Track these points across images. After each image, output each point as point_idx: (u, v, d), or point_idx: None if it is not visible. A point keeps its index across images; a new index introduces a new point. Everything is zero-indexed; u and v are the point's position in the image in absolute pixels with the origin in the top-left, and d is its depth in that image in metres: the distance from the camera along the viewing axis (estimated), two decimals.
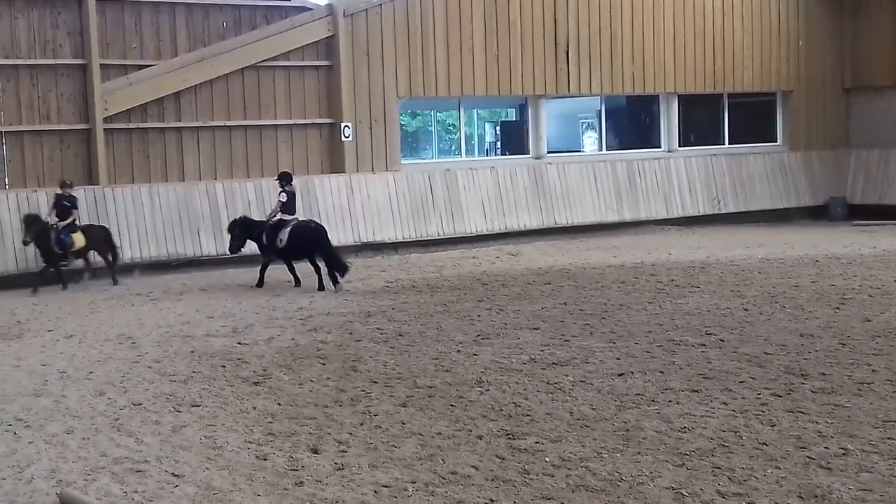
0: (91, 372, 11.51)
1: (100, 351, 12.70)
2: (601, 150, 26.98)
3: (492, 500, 7.03)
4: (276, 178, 19.06)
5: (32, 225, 18.02)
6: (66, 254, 18.34)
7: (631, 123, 28.92)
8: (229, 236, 18.70)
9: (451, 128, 30.56)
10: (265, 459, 8.09)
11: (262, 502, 7.13)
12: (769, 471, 7.49)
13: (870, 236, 23.52)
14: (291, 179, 18.61)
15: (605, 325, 13.29)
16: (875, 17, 27.97)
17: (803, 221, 27.48)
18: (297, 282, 17.97)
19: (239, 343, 12.92)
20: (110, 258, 18.96)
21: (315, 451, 8.27)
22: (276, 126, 22.02)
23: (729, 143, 27.94)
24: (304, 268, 17.90)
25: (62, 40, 19.96)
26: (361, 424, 9.02)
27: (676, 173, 26.61)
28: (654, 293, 15.87)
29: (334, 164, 22.57)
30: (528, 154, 25.51)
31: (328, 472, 7.74)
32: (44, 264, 18.38)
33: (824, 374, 10.35)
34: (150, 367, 11.65)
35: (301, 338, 13.15)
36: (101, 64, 20.05)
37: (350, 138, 22.52)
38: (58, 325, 14.64)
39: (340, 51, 22.30)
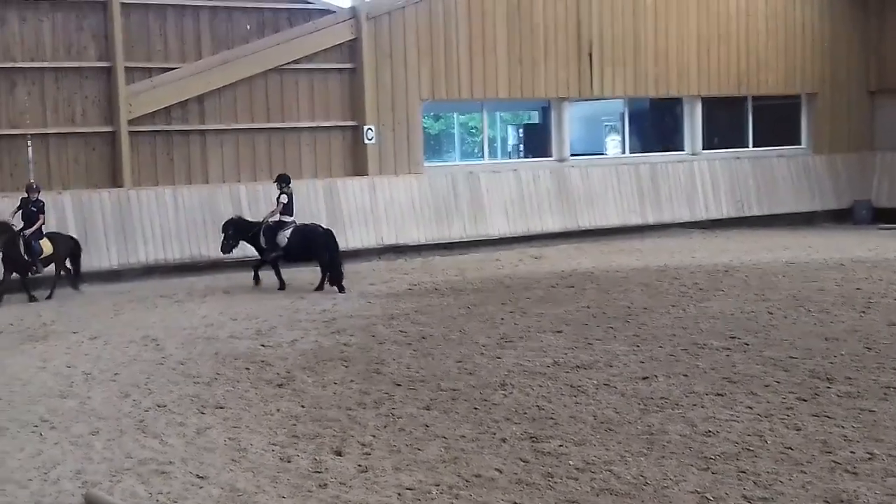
0: (116, 374, 11.56)
1: (124, 353, 12.75)
2: (624, 152, 26.90)
3: (516, 503, 7.02)
4: (274, 179, 19.09)
5: (3, 233, 17.24)
6: (34, 262, 17.58)
7: (654, 126, 28.82)
8: (222, 236, 18.61)
9: (473, 130, 30.51)
10: (289, 461, 8.10)
11: None
12: (794, 475, 7.45)
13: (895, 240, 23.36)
14: (290, 181, 18.66)
15: (629, 329, 13.24)
16: None
17: (828, 225, 27.31)
18: (282, 285, 18.02)
19: (263, 345, 12.95)
20: (73, 268, 18.24)
21: (339, 454, 8.27)
22: (299, 129, 22.07)
23: (753, 146, 27.80)
24: (290, 270, 17.90)
25: (87, 43, 20.07)
26: (385, 427, 9.02)
27: (700, 176, 26.51)
28: (678, 296, 15.81)
29: (357, 166, 22.59)
30: (551, 157, 25.47)
31: (352, 475, 7.74)
32: (6, 273, 17.47)
33: (850, 379, 10.28)
34: (174, 369, 11.69)
35: (324, 340, 13.16)
36: (125, 67, 20.16)
37: (373, 141, 22.55)
38: (83, 327, 14.70)
39: (363, 53, 22.34)
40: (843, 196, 28.22)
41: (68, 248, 18.11)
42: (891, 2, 27.99)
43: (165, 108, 20.70)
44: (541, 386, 10.32)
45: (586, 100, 26.43)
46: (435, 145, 29.70)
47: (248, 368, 11.60)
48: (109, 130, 20.21)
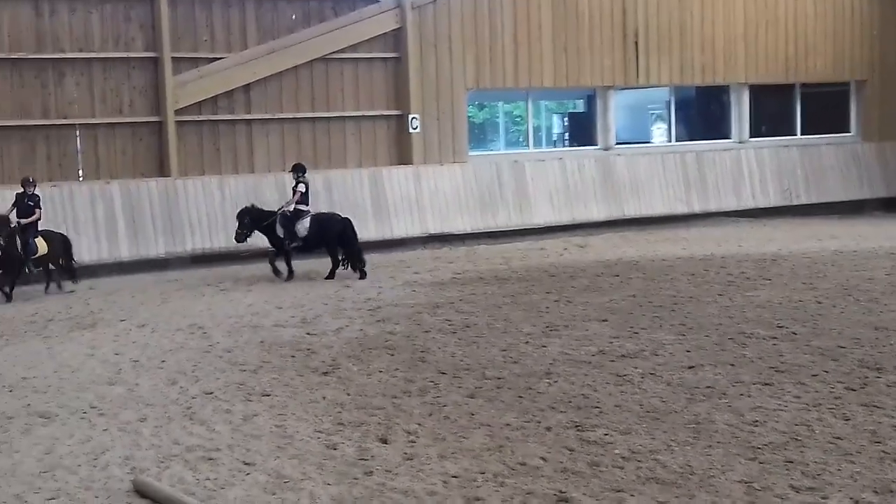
0: (163, 361, 11.66)
1: (172, 340, 12.86)
2: (670, 141, 26.74)
3: (561, 492, 7.00)
4: (290, 169, 19.03)
5: (3, 227, 16.52)
6: (27, 259, 16.82)
7: (701, 114, 28.61)
8: (237, 224, 18.38)
9: (518, 119, 30.45)
10: (335, 449, 8.13)
11: (332, 491, 7.17)
12: (843, 465, 7.37)
13: None
14: (305, 170, 18.71)
15: (675, 318, 13.16)
16: None
17: (877, 213, 26.98)
18: (291, 274, 17.98)
19: (308, 333, 13.00)
20: (68, 267, 17.74)
21: (384, 441, 8.28)
22: (343, 118, 22.14)
23: (801, 134, 27.54)
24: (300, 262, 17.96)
25: (134, 34, 20.24)
26: (430, 415, 9.03)
27: (747, 164, 26.29)
28: (725, 285, 15.69)
29: (402, 155, 22.63)
30: (597, 145, 25.38)
31: (397, 462, 7.75)
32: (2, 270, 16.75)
33: None
34: (220, 357, 11.77)
35: (369, 329, 13.20)
36: (172, 57, 20.32)
37: (417, 130, 22.57)
38: (130, 315, 14.84)
39: (408, 43, 22.36)
40: (893, 184, 27.87)
41: (61, 245, 17.51)
42: None
43: (212, 97, 20.84)
44: (586, 375, 10.28)
45: (632, 88, 26.27)
46: (479, 134, 29.68)
47: (293, 356, 11.66)
48: (156, 120, 20.38)
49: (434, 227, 22.46)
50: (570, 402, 9.29)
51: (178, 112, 20.42)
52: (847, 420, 8.46)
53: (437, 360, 11.23)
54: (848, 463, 7.42)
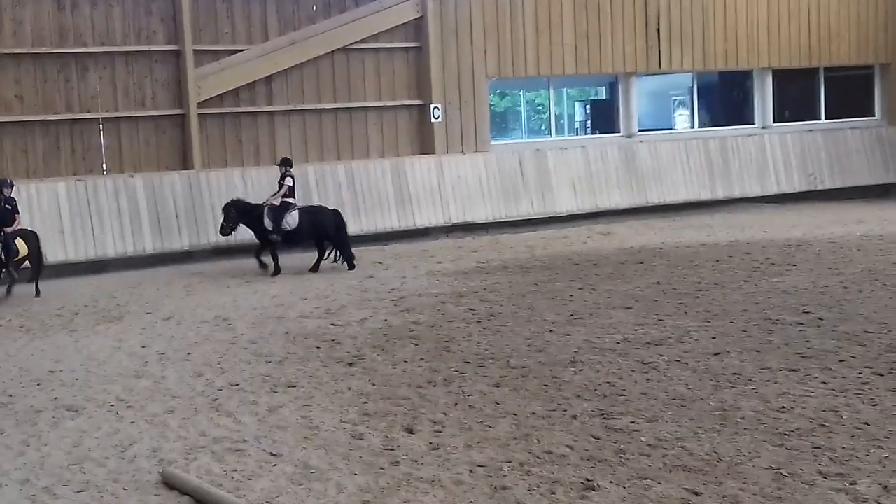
0: (189, 353, 11.71)
1: (197, 332, 12.91)
2: (693, 127, 26.62)
3: (587, 480, 7.00)
4: (278, 163, 18.93)
5: None
6: (9, 263, 16.08)
7: (723, 100, 28.45)
8: (223, 217, 18.12)
9: (540, 107, 30.37)
10: (361, 439, 8.15)
11: (359, 481, 7.19)
12: (871, 451, 7.34)
13: None
14: (292, 164, 18.67)
15: (700, 305, 13.12)
16: None
17: None
18: (278, 269, 17.81)
19: (332, 324, 13.03)
20: (37, 266, 16.80)
21: (410, 431, 8.30)
22: (365, 108, 22.13)
23: (825, 118, 27.36)
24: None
25: (156, 27, 20.27)
26: (455, 405, 9.03)
27: (771, 150, 26.15)
28: (750, 272, 15.62)
29: (424, 145, 22.62)
30: (619, 132, 25.32)
31: (423, 452, 7.76)
32: None
33: None
34: (246, 349, 11.81)
35: (393, 319, 13.21)
36: (194, 50, 20.34)
37: (439, 119, 22.55)
38: (156, 308, 14.91)
39: (429, 32, 22.33)
40: None
41: (37, 243, 16.75)
42: None
43: (234, 90, 20.87)
44: (611, 363, 10.26)
45: (654, 74, 26.16)
46: (501, 123, 29.60)
47: (318, 347, 11.69)
48: (179, 113, 20.42)
49: (457, 217, 22.45)
50: (595, 390, 9.28)
51: (200, 104, 20.46)
52: (875, 405, 8.42)
53: (462, 349, 11.24)
54: (876, 448, 7.38)
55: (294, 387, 9.95)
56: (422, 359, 10.87)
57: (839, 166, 26.85)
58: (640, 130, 25.37)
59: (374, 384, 9.90)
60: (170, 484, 7.27)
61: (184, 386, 10.20)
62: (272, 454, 7.86)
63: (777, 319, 11.94)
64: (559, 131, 26.46)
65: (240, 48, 20.96)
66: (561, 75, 24.46)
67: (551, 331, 11.94)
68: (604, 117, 26.92)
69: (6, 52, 19.09)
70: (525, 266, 17.43)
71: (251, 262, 18.58)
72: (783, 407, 8.45)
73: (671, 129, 27.70)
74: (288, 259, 18.42)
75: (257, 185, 20.51)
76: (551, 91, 25.24)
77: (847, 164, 26.92)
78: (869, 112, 27.95)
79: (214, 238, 19.82)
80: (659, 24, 24.68)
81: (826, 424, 7.96)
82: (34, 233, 17.03)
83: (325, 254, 18.14)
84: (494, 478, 7.14)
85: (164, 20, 20.32)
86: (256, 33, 21.13)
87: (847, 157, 26.97)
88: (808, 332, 11.25)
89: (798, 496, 6.60)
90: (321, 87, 21.72)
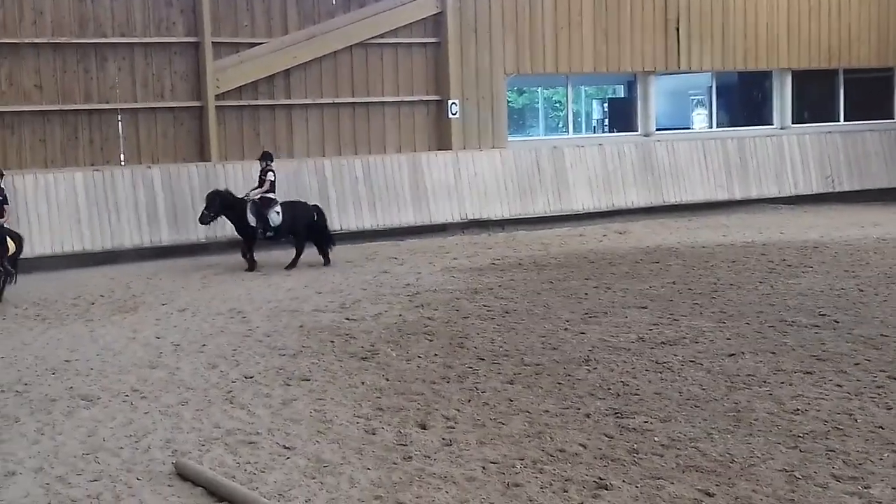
0: (204, 345, 11.74)
1: (212, 324, 12.94)
2: (711, 127, 26.53)
3: (600, 479, 6.99)
4: (259, 157, 18.68)
5: None
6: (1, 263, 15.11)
7: (742, 100, 28.37)
8: (205, 205, 17.77)
9: (557, 105, 30.35)
10: (374, 434, 8.16)
11: (372, 476, 7.20)
12: (886, 454, 7.31)
13: None
14: (273, 158, 18.50)
15: (715, 305, 13.09)
16: None
17: None
18: (253, 265, 17.63)
19: (347, 318, 13.04)
20: (13, 264, 15.51)
21: (423, 427, 8.30)
22: (383, 103, 22.14)
23: (844, 120, 27.24)
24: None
25: (175, 19, 20.32)
26: (469, 401, 9.04)
27: (789, 151, 26.06)
28: (766, 273, 15.58)
29: (441, 141, 22.62)
30: (637, 131, 25.24)
31: (436, 448, 7.77)
32: None
33: None
34: (260, 341, 11.84)
35: (408, 314, 13.22)
36: (213, 42, 20.37)
37: (457, 115, 22.54)
38: (171, 299, 14.95)
39: (448, 28, 22.31)
40: None
41: (21, 242, 15.75)
42: None
43: (252, 82, 20.90)
44: (625, 362, 10.25)
45: (673, 73, 26.10)
46: (519, 119, 29.61)
47: (332, 341, 11.70)
48: (197, 105, 20.46)
49: (473, 213, 22.44)
50: (609, 389, 9.27)
51: (218, 97, 20.49)
52: (889, 409, 8.39)
53: (476, 346, 11.24)
54: (890, 452, 7.36)
55: (308, 380, 9.97)
56: (436, 355, 10.87)
57: (857, 168, 26.74)
58: (657, 129, 25.32)
59: (387, 379, 9.91)
60: (183, 475, 7.30)
61: (198, 377, 10.23)
62: (285, 447, 7.88)
63: (792, 321, 11.91)
64: (577, 129, 26.43)
65: (259, 41, 20.98)
66: (580, 73, 24.43)
67: (566, 329, 11.93)
68: (622, 116, 26.87)
69: (26, 41, 19.15)
70: (540, 263, 17.41)
71: (267, 255, 18.58)
72: (797, 409, 8.43)
73: (689, 128, 27.64)
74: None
75: (275, 178, 20.48)
76: (569, 88, 25.21)
77: (865, 167, 26.82)
78: (888, 114, 27.79)
79: (230, 230, 19.81)
80: (679, 23, 24.61)
81: (840, 427, 7.94)
82: (16, 232, 15.99)
83: (303, 249, 18.00)
84: (507, 475, 7.14)
85: (184, 12, 20.35)
86: (276, 27, 21.16)
87: (865, 160, 26.86)
88: (823, 334, 11.22)
89: (811, 499, 6.58)
90: (339, 82, 21.73)
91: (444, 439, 7.96)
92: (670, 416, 8.38)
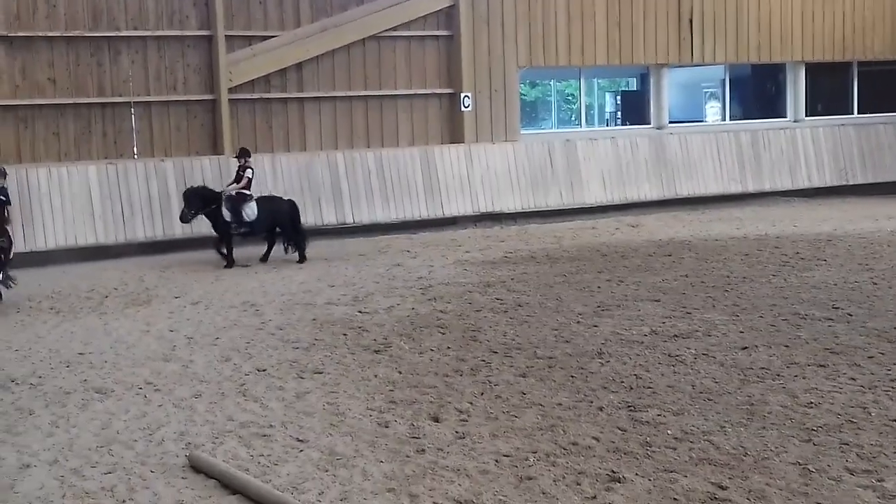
0: (217, 338, 11.76)
1: (225, 317, 12.97)
2: (724, 120, 26.48)
3: (613, 472, 6.99)
4: (235, 154, 18.53)
5: None
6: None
7: (756, 93, 28.30)
8: (184, 203, 17.54)
9: (570, 98, 30.31)
10: (387, 427, 8.17)
11: (385, 468, 7.21)
12: None
13: None
14: (250, 154, 18.36)
15: (728, 298, 13.06)
16: None
17: None
18: (231, 262, 17.43)
19: (360, 311, 13.05)
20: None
21: (436, 420, 8.31)
22: (396, 96, 22.14)
23: (858, 113, 27.17)
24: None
25: (188, 12, 20.33)
26: (482, 394, 9.04)
27: (802, 144, 25.98)
28: (779, 266, 15.55)
29: (454, 134, 22.61)
30: (650, 124, 25.22)
31: (449, 441, 7.78)
32: None
33: None
34: (273, 335, 11.86)
35: (421, 307, 13.22)
36: (226, 35, 20.38)
37: (469, 108, 22.52)
38: (184, 292, 14.98)
39: (461, 20, 22.29)
40: None
41: (11, 242, 14.80)
42: None
43: (265, 76, 20.92)
44: (638, 355, 10.24)
45: (686, 66, 26.04)
46: (531, 112, 29.60)
47: (345, 334, 11.72)
48: (210, 98, 20.49)
49: (485, 206, 22.42)
50: (622, 382, 9.26)
51: (231, 90, 20.51)
52: None
53: (489, 339, 11.24)
54: None
55: (321, 373, 9.98)
56: (448, 347, 10.88)
57: (871, 161, 26.66)
58: (670, 122, 25.29)
59: (400, 372, 9.92)
60: (197, 467, 7.32)
61: (211, 370, 10.25)
62: (298, 440, 7.90)
63: (806, 314, 11.87)
64: (589, 122, 26.42)
65: (271, 34, 21.00)
66: (592, 65, 24.38)
67: (578, 322, 11.93)
68: (634, 108, 26.84)
69: (40, 34, 19.19)
70: (553, 257, 17.40)
71: (278, 248, 18.54)
72: (811, 402, 8.42)
73: (702, 121, 27.59)
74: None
75: (287, 172, 20.56)
76: (582, 81, 25.17)
77: (879, 160, 26.73)
78: None
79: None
80: (692, 15, 24.55)
81: (854, 421, 7.92)
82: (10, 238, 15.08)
83: (274, 243, 17.94)
84: (520, 468, 7.15)
85: (197, 5, 20.37)
86: (288, 19, 21.16)
87: (879, 152, 26.77)
88: (837, 327, 11.19)
89: (825, 492, 6.57)
90: (352, 75, 21.73)
91: (456, 432, 7.97)
92: (683, 409, 8.37)
